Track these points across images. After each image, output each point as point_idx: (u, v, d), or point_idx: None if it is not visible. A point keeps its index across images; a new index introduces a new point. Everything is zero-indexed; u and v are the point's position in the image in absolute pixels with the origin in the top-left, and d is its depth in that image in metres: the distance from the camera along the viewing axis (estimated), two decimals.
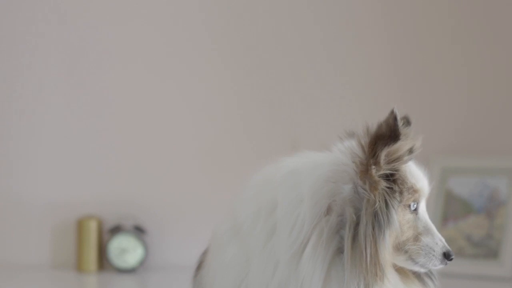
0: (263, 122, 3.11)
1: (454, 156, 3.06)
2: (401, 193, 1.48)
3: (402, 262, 1.51)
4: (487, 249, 2.89)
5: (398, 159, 1.48)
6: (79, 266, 3.00)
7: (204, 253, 1.65)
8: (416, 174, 1.52)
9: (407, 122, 1.59)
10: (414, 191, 1.50)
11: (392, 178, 1.48)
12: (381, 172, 1.46)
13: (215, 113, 3.12)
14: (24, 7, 3.05)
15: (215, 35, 3.11)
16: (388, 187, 1.46)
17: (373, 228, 1.43)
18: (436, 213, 2.97)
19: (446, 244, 1.52)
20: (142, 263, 3.00)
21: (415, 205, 1.51)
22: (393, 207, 1.45)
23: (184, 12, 3.10)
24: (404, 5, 3.12)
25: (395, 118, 1.46)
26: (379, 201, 1.44)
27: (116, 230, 3.01)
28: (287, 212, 1.48)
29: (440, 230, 3.03)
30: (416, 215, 1.51)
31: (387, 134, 1.46)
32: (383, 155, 1.46)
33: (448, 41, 3.12)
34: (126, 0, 3.10)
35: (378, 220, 1.44)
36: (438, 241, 1.52)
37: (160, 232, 3.07)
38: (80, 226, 2.99)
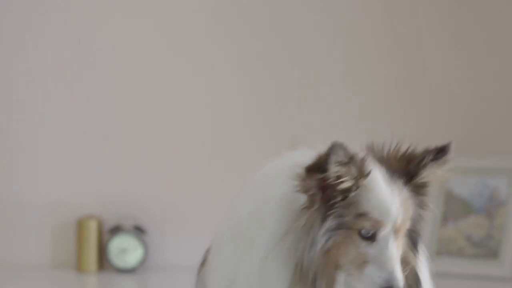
0: (263, 122, 3.11)
1: (454, 156, 3.05)
2: (341, 216, 1.44)
3: (343, 281, 1.46)
4: (487, 249, 2.89)
5: (329, 187, 1.44)
6: (79, 266, 3.00)
7: (208, 250, 1.65)
8: (378, 203, 1.46)
9: (370, 151, 1.53)
10: (366, 219, 1.44)
11: (335, 200, 1.45)
12: (312, 194, 1.44)
13: (215, 113, 3.11)
14: (24, 7, 3.05)
15: (217, 34, 3.10)
16: (327, 206, 1.44)
17: (308, 244, 1.43)
18: (436, 213, 2.97)
19: (396, 282, 1.43)
20: (142, 263, 3.00)
21: (369, 233, 1.45)
22: (323, 228, 1.43)
23: (186, 11, 3.09)
24: (405, 6, 3.12)
25: (328, 153, 1.42)
26: (312, 219, 1.43)
27: (116, 230, 3.01)
28: (259, 217, 1.48)
29: (440, 230, 3.04)
30: (372, 242, 1.45)
31: (317, 166, 1.43)
32: (313, 182, 1.44)
33: (447, 41, 3.12)
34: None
35: (311, 237, 1.43)
36: (385, 275, 1.43)
37: (160, 232, 3.07)
38: (80, 226, 2.99)
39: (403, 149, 1.53)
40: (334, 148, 1.43)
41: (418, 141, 2.96)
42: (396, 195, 1.47)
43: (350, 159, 1.44)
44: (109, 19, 3.09)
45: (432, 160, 1.53)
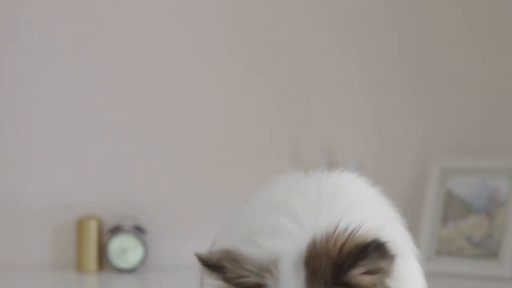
0: (266, 124, 3.11)
1: (454, 156, 3.06)
2: None
3: None
4: (487, 249, 2.89)
5: None
6: (79, 266, 3.00)
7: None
8: None
9: (310, 246, 1.39)
10: None
11: None
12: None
13: (216, 114, 3.11)
14: (24, 4, 3.05)
15: (221, 35, 3.10)
16: None
17: None
18: (436, 213, 2.97)
19: None
20: (142, 263, 3.00)
21: None
22: None
23: (191, 12, 3.09)
24: (406, 5, 3.12)
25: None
26: None
27: (116, 230, 3.01)
28: None
29: (440, 230, 3.03)
30: None
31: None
32: None
33: (448, 40, 3.12)
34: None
35: None
36: None
37: (160, 232, 3.07)
38: (80, 226, 2.99)
39: (336, 245, 1.35)
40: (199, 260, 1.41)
41: (417, 141, 2.95)
42: None
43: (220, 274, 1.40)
44: (113, 19, 3.09)
45: (354, 262, 1.34)
